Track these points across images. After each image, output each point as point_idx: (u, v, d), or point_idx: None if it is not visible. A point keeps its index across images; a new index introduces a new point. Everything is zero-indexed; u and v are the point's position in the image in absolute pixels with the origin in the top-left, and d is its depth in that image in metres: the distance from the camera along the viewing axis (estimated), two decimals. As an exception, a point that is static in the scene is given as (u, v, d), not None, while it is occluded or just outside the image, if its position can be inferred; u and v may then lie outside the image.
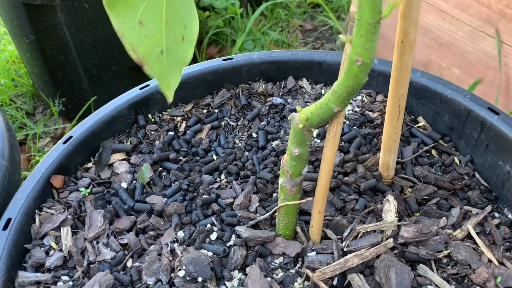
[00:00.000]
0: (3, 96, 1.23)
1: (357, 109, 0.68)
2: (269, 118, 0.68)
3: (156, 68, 0.41)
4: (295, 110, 0.68)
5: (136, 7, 0.41)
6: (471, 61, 0.92)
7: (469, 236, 0.52)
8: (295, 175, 0.46)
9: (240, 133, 0.67)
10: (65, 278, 0.49)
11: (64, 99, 1.19)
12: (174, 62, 0.42)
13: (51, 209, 0.55)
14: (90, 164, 0.62)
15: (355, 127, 0.65)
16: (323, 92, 0.71)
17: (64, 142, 0.59)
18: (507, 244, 0.52)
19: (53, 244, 0.52)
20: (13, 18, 1.05)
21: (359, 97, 0.70)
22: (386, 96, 0.65)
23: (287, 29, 1.57)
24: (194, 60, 1.34)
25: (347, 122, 0.66)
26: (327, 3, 1.64)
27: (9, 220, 0.51)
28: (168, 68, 0.42)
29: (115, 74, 1.14)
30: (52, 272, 0.49)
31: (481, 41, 0.87)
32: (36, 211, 0.54)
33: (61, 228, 0.53)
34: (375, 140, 0.64)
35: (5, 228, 0.50)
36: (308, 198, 0.50)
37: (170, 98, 0.40)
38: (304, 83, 0.72)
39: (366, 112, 0.68)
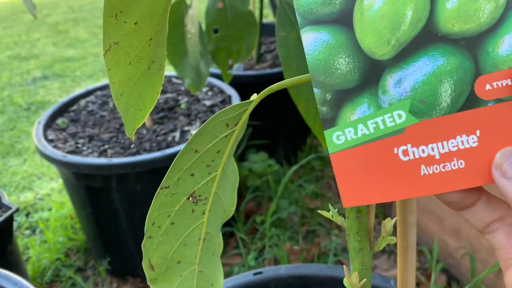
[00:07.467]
0: (59, 255, 1.36)
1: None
2: (293, 334, 0.73)
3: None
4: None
5: (173, 281, 0.50)
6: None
7: None
8: None
9: None
10: None
11: (111, 259, 1.30)
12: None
13: None
14: None
15: None
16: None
17: None
18: None
19: None
20: (76, 194, 1.21)
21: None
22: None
23: (322, 180, 1.66)
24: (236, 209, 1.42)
25: None
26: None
27: None
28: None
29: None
30: None
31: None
32: None
33: None
34: None
35: None
36: None
37: None
38: (327, 297, 0.78)
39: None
